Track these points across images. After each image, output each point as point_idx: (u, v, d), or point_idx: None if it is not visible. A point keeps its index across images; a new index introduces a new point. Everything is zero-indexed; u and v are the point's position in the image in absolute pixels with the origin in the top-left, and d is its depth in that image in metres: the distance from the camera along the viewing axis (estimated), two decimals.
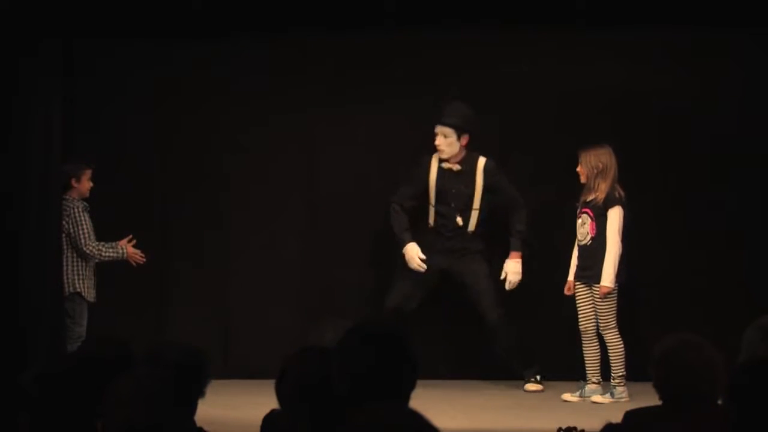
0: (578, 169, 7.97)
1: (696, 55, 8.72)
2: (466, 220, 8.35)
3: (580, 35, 8.58)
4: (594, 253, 7.89)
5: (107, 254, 8.02)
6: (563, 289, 8.13)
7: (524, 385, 8.37)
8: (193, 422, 3.96)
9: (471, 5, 8.32)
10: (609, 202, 7.85)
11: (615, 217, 7.85)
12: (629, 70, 8.70)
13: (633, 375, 7.94)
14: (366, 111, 8.88)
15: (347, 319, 3.43)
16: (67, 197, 8.01)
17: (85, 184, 8.06)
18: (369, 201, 8.76)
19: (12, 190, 7.59)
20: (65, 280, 7.93)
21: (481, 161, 8.36)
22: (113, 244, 8.06)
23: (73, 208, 7.99)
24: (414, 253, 8.30)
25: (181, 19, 8.29)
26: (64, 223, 7.96)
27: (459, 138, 8.28)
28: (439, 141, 8.29)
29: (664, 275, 8.68)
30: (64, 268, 7.94)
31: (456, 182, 8.35)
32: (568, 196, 8.23)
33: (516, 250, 8.35)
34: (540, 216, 8.63)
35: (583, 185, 7.99)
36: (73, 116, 8.45)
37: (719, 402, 3.82)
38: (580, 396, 7.95)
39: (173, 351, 4.01)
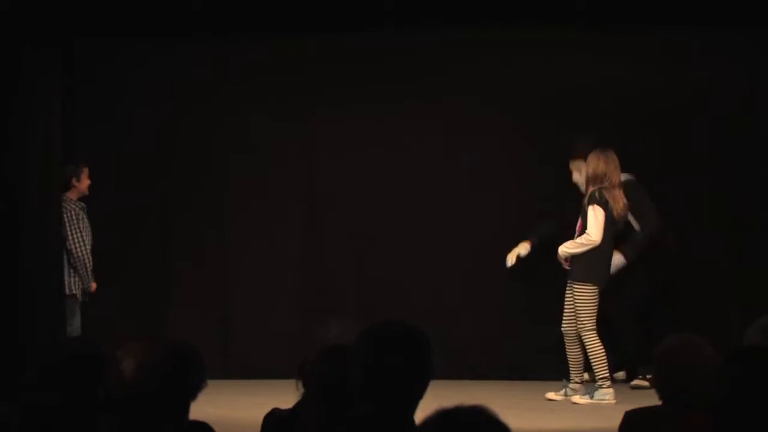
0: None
1: (696, 55, 8.71)
2: None
3: (580, 35, 8.58)
4: None
5: (86, 266, 8.04)
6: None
7: None
8: (187, 419, 3.95)
9: (471, 5, 8.32)
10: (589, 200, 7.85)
11: (592, 213, 7.81)
12: (629, 70, 8.69)
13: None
14: (366, 111, 8.89)
15: (351, 317, 3.41)
16: (65, 198, 8.02)
17: (85, 182, 8.11)
18: (369, 201, 8.75)
19: (12, 190, 7.59)
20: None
21: None
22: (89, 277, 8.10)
23: (69, 211, 7.99)
24: None
25: (181, 19, 8.29)
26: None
27: None
28: None
29: (664, 275, 8.67)
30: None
31: None
32: (567, 196, 8.23)
33: None
34: (540, 217, 8.63)
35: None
36: (73, 116, 8.45)
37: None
38: (564, 395, 7.95)
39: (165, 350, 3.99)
